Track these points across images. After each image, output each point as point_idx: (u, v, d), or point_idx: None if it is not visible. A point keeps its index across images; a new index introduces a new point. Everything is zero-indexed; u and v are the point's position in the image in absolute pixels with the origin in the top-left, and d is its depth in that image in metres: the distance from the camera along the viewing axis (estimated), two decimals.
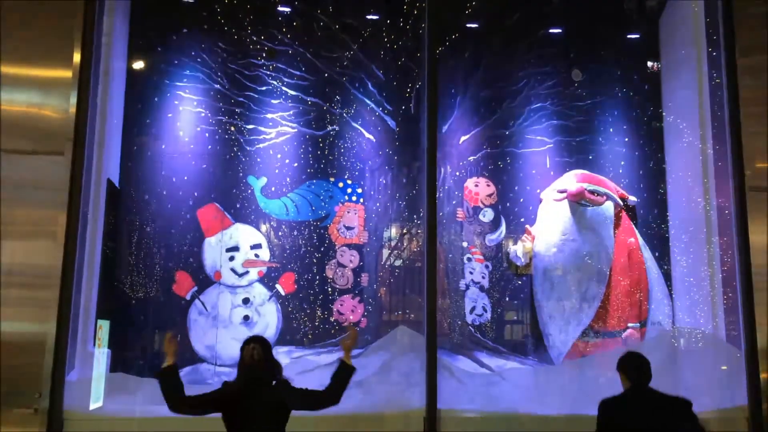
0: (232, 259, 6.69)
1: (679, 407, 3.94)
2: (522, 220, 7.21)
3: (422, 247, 6.25)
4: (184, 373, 6.26)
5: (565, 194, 7.05)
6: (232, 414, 3.71)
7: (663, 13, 7.45)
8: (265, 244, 6.78)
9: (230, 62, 6.87)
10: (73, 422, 4.98)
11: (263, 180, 6.85)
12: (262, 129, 6.91)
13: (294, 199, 6.90)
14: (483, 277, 7.03)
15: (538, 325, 6.96)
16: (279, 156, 6.92)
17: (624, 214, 7.18)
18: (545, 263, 7.00)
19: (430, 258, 5.69)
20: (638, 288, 6.97)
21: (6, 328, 4.88)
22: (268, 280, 6.73)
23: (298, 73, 6.99)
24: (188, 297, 6.56)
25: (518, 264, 7.08)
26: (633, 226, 7.19)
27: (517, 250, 7.06)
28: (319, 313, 6.72)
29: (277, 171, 6.90)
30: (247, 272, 6.70)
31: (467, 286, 6.98)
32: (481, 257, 7.08)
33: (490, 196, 7.22)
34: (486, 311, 6.96)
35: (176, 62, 6.80)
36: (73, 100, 5.23)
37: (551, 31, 7.40)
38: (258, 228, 6.82)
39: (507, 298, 7.10)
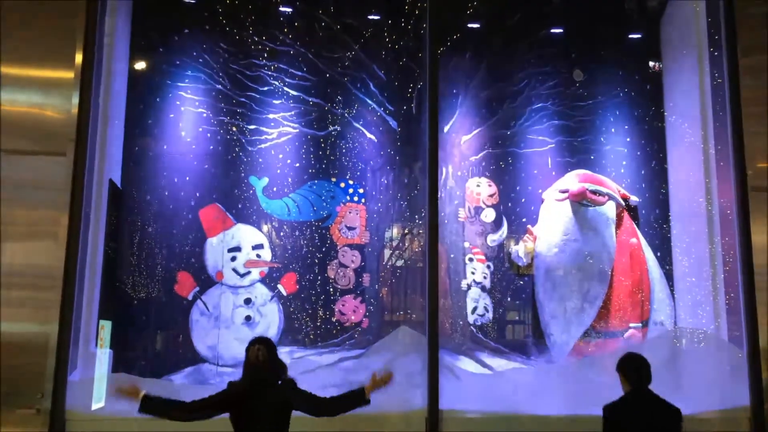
0: (233, 259, 6.69)
1: (670, 415, 3.96)
2: (524, 220, 7.20)
3: (424, 247, 6.26)
4: (186, 373, 6.32)
5: (566, 194, 7.04)
6: (238, 414, 3.72)
7: (664, 12, 7.44)
8: (266, 244, 6.78)
9: (232, 62, 6.87)
10: (75, 422, 5.00)
11: (265, 180, 6.85)
12: (264, 129, 6.91)
13: (296, 199, 6.90)
14: (485, 278, 7.03)
15: (540, 325, 6.96)
16: (281, 156, 6.92)
17: (626, 214, 7.17)
18: (547, 263, 6.99)
19: (431, 258, 5.69)
20: (640, 288, 6.96)
21: (8, 329, 4.90)
22: (269, 280, 6.73)
23: (299, 73, 6.99)
24: (190, 297, 6.56)
25: (520, 264, 7.07)
26: (635, 226, 7.18)
27: (519, 250, 7.06)
28: (320, 313, 6.72)
29: (278, 171, 6.90)
30: (248, 272, 6.70)
31: (469, 287, 6.97)
32: (483, 257, 7.08)
33: (491, 196, 7.21)
34: (488, 311, 6.96)
35: (178, 63, 6.80)
36: (75, 100, 5.25)
37: (552, 31, 7.39)
38: (260, 228, 6.82)
39: (509, 299, 7.10)
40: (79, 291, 5.24)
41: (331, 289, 6.79)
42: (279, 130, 6.94)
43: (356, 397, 4.07)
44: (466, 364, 6.53)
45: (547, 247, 7.01)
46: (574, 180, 7.11)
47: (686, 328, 6.70)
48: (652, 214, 7.27)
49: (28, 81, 5.28)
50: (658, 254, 7.15)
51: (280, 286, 6.72)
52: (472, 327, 6.88)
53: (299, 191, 6.93)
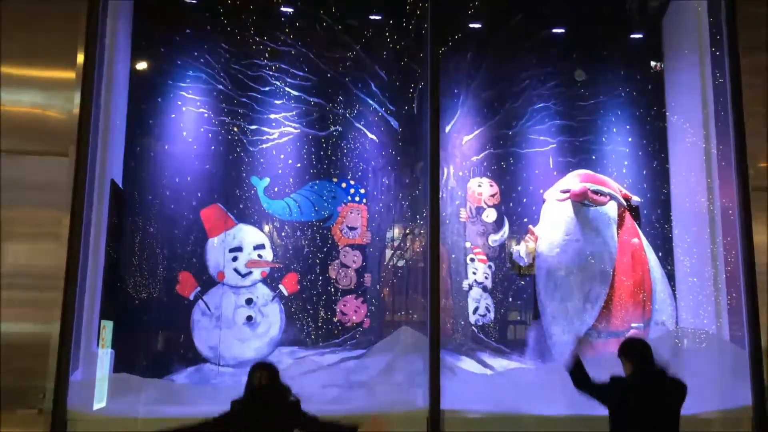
0: (235, 259, 6.69)
1: (674, 389, 3.99)
2: (525, 220, 7.20)
3: (425, 247, 6.26)
4: (187, 373, 6.32)
5: (568, 194, 7.04)
6: None
7: (666, 12, 7.44)
8: (268, 244, 6.79)
9: (233, 63, 6.87)
10: (76, 422, 5.00)
11: (266, 180, 6.86)
12: (265, 129, 6.91)
13: (297, 199, 6.90)
14: (486, 278, 7.03)
15: (542, 325, 6.96)
16: (282, 156, 6.92)
17: (627, 214, 7.17)
18: (548, 263, 6.99)
19: (433, 258, 5.69)
20: (641, 288, 6.96)
21: (10, 329, 4.90)
22: (271, 280, 6.73)
23: (300, 73, 6.99)
24: (191, 297, 6.56)
25: (521, 264, 7.07)
26: (636, 226, 7.18)
27: (520, 250, 7.06)
28: (322, 313, 6.72)
29: (280, 171, 6.90)
30: (250, 273, 6.71)
31: (470, 287, 6.97)
32: (484, 257, 7.08)
33: (493, 196, 7.21)
34: (489, 311, 6.96)
35: (179, 63, 6.81)
36: (77, 100, 5.25)
37: (554, 30, 7.38)
38: (261, 228, 6.82)
39: (510, 299, 7.09)
40: (80, 291, 5.24)
41: (333, 290, 6.79)
42: (280, 131, 6.94)
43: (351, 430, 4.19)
44: (468, 364, 6.53)
45: (549, 247, 7.01)
46: (575, 180, 7.11)
47: (688, 328, 6.70)
48: (654, 214, 7.27)
49: (29, 81, 5.28)
50: (660, 254, 7.14)
51: (281, 287, 6.72)
52: (473, 327, 6.88)
53: (300, 191, 6.93)
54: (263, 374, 3.89)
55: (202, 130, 6.82)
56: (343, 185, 7.01)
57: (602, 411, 4.14)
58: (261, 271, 6.73)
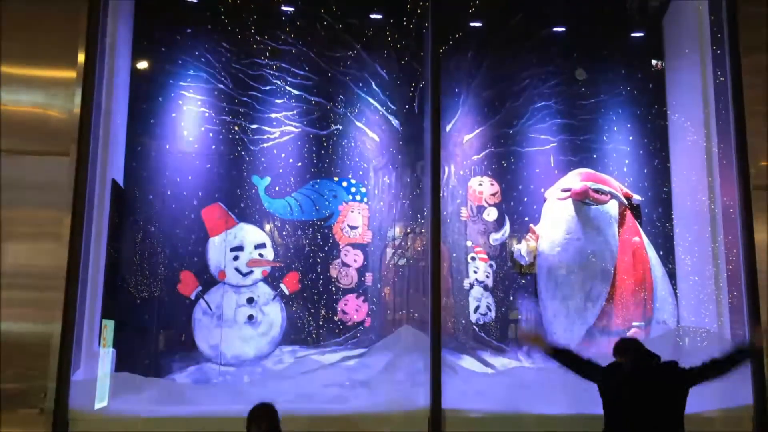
0: (236, 258, 6.70)
1: (673, 375, 3.99)
2: (526, 219, 7.20)
3: (426, 246, 6.26)
4: (188, 372, 6.33)
5: (569, 193, 7.04)
6: None
7: (666, 12, 7.43)
8: (269, 243, 6.79)
9: (234, 62, 6.87)
10: (78, 422, 5.00)
11: (267, 179, 6.86)
12: (266, 128, 6.91)
13: (298, 198, 6.91)
14: (487, 276, 7.03)
15: (543, 324, 6.96)
16: (283, 155, 6.92)
17: (628, 212, 7.17)
18: (549, 262, 6.99)
19: (434, 257, 5.69)
20: (643, 287, 6.96)
21: (11, 329, 4.90)
22: (272, 279, 6.74)
23: (301, 72, 6.99)
24: (193, 296, 6.56)
25: (522, 263, 7.07)
26: (637, 224, 7.18)
27: (522, 249, 7.06)
28: (323, 312, 6.72)
29: (281, 170, 6.90)
30: (251, 272, 6.71)
31: (471, 286, 6.97)
32: (486, 256, 7.08)
33: (494, 195, 7.21)
34: (490, 310, 6.96)
35: (180, 62, 6.80)
36: (78, 100, 5.24)
37: (554, 29, 7.38)
38: (262, 227, 6.82)
39: (511, 298, 7.09)
40: (82, 291, 5.24)
41: (334, 289, 6.79)
42: (281, 130, 6.94)
43: None
44: (469, 363, 6.53)
45: (550, 245, 7.01)
46: (576, 179, 7.11)
47: (689, 326, 6.70)
48: (655, 213, 7.27)
49: (30, 81, 5.28)
50: (661, 253, 7.14)
51: (282, 286, 6.73)
52: (474, 326, 6.88)
53: (301, 190, 6.93)
54: (263, 423, 3.84)
55: (203, 129, 6.82)
56: (344, 184, 7.01)
57: (602, 410, 4.15)
58: (262, 270, 6.73)
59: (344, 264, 6.86)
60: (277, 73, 6.95)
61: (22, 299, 4.96)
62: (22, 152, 5.15)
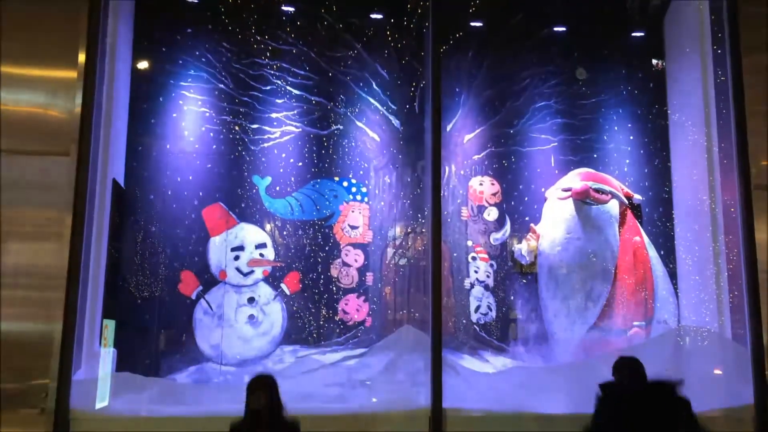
0: (237, 258, 6.70)
1: (672, 404, 3.94)
2: (527, 218, 7.20)
3: (427, 246, 6.26)
4: (189, 372, 6.33)
5: (569, 193, 7.04)
6: None
7: (667, 11, 7.43)
8: (269, 243, 6.79)
9: (234, 62, 6.88)
10: (79, 422, 4.99)
11: (268, 179, 6.86)
12: (267, 128, 6.92)
13: (299, 198, 6.91)
14: (488, 276, 7.03)
15: (543, 323, 6.96)
16: (283, 155, 6.93)
17: (629, 212, 7.17)
18: (550, 262, 6.99)
19: (434, 257, 5.68)
20: (643, 286, 6.95)
21: (12, 328, 4.90)
22: (273, 279, 6.74)
23: (302, 72, 7.00)
24: (193, 296, 6.57)
25: (523, 263, 7.07)
26: (638, 224, 7.18)
27: (522, 248, 7.06)
28: (324, 312, 6.72)
29: (281, 170, 6.91)
30: (252, 271, 6.71)
31: (472, 285, 6.98)
32: (486, 256, 7.08)
33: (494, 194, 7.21)
34: (491, 310, 6.96)
35: (181, 62, 6.81)
36: (78, 100, 5.23)
37: (555, 29, 7.39)
38: (263, 227, 6.82)
39: (512, 297, 7.09)
40: (82, 290, 5.24)
41: (335, 288, 6.80)
42: (282, 129, 6.94)
43: None
44: (470, 362, 6.53)
45: (551, 245, 7.01)
46: (577, 178, 7.11)
47: (690, 326, 6.70)
48: (656, 213, 7.27)
49: (31, 81, 5.27)
50: (662, 252, 7.14)
51: (283, 285, 6.73)
52: (475, 325, 6.88)
53: (302, 190, 6.93)
54: (262, 395, 3.83)
55: (203, 129, 6.83)
56: (345, 184, 7.01)
57: None
58: (263, 270, 6.73)
59: (345, 264, 6.86)
60: (277, 73, 6.96)
61: (22, 299, 4.96)
62: (22, 152, 5.14)
